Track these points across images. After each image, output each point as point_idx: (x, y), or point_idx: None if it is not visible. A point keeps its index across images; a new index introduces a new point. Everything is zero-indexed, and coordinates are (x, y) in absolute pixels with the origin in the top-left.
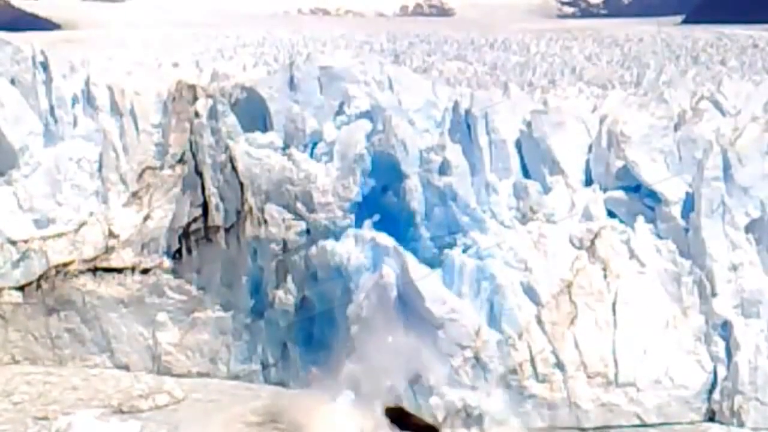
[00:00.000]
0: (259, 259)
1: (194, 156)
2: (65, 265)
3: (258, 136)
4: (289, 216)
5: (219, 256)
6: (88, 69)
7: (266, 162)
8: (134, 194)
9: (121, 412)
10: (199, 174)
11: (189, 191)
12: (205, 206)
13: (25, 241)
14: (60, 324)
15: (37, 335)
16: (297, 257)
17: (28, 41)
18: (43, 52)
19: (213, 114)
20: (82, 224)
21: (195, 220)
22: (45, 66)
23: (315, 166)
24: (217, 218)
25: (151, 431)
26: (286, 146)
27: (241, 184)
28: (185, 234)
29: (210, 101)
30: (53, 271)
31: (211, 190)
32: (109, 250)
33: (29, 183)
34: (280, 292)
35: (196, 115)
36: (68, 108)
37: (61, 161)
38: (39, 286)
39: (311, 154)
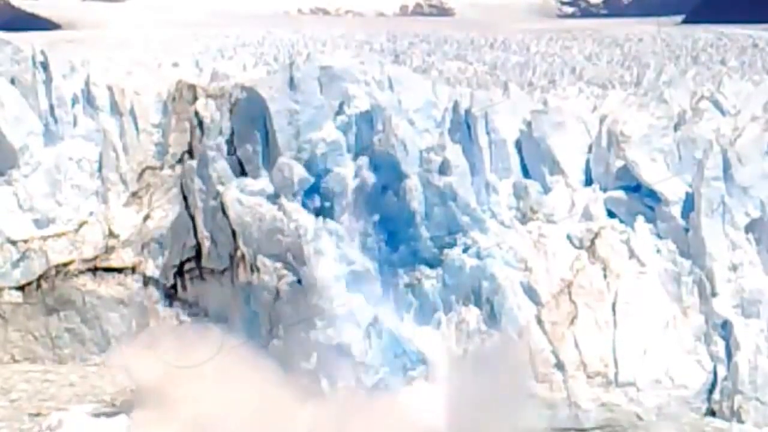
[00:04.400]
0: (253, 304)
1: (185, 199)
2: (65, 265)
3: (249, 182)
4: (279, 265)
5: (214, 294)
6: (88, 69)
7: (257, 211)
8: (134, 194)
9: (113, 406)
10: (191, 217)
11: (182, 232)
12: (198, 247)
13: (25, 241)
14: (60, 324)
15: (37, 335)
16: (289, 308)
17: (28, 41)
18: (43, 52)
19: (204, 161)
20: (82, 224)
21: (189, 260)
22: (45, 66)
23: (306, 217)
24: (210, 262)
25: (140, 423)
26: (276, 194)
27: (233, 231)
28: (179, 273)
29: (200, 147)
30: (53, 271)
31: (203, 233)
32: (109, 250)
33: (29, 183)
34: (274, 341)
35: (197, 119)
36: (68, 108)
37: (61, 161)
38: (39, 286)
39: (302, 203)
